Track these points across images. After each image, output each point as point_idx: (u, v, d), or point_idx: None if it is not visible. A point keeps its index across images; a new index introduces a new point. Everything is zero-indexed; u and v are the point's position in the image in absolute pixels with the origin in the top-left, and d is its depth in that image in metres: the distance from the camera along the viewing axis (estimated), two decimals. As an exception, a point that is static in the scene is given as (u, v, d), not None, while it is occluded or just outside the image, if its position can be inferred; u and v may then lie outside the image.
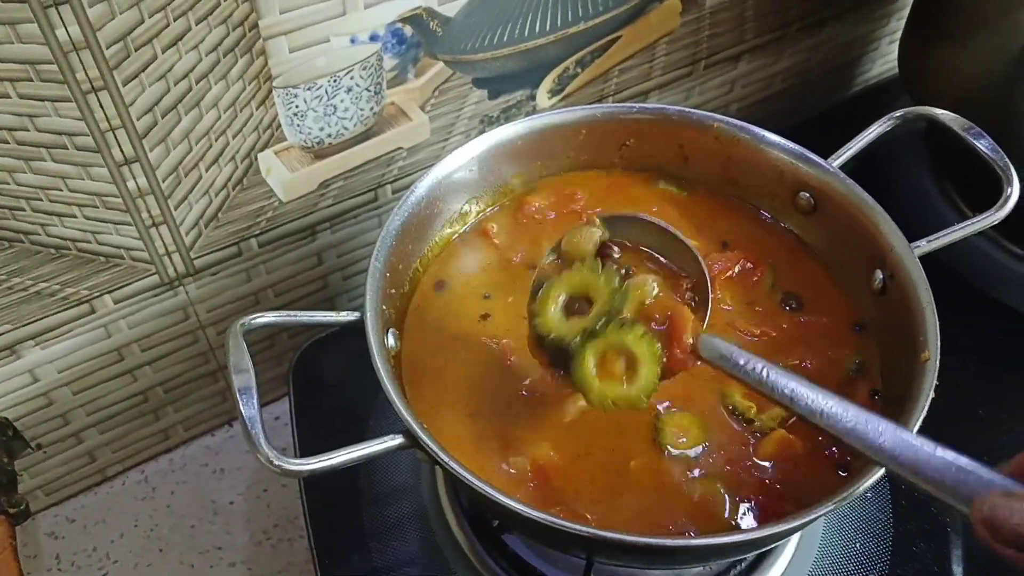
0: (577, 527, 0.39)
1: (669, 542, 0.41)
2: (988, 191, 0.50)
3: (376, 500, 0.57)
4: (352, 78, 0.58)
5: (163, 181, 0.55)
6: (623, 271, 0.45)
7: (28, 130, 0.48)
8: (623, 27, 0.68)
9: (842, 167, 0.53)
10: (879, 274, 0.50)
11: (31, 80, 0.46)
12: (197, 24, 0.50)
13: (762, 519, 0.43)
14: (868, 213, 0.51)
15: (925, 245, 0.49)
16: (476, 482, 0.40)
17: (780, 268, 0.54)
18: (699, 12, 0.72)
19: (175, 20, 0.49)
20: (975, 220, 0.50)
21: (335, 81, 0.57)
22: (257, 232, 0.62)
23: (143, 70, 0.49)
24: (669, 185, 0.58)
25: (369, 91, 0.59)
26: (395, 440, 0.42)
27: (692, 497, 0.44)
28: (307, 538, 0.56)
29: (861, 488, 0.39)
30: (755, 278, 0.53)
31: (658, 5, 0.69)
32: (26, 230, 0.52)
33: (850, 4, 0.83)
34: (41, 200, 0.51)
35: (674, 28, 0.72)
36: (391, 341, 0.49)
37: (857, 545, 0.54)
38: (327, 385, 0.63)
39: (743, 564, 0.52)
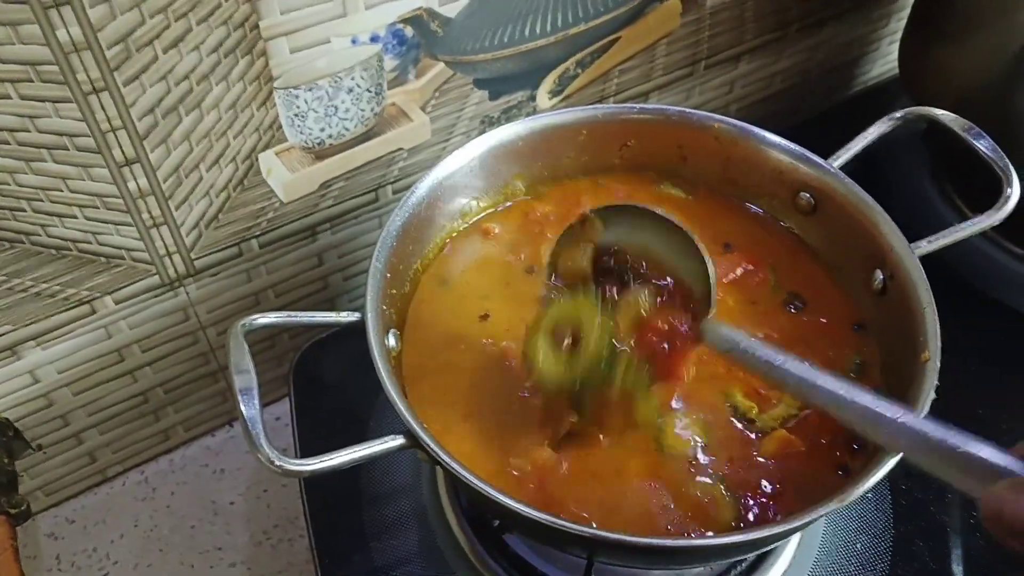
0: (578, 527, 0.39)
1: (669, 542, 0.41)
2: (988, 191, 0.50)
3: (377, 500, 0.57)
4: (353, 79, 0.58)
5: (164, 182, 0.55)
6: (616, 286, 0.45)
7: (29, 131, 0.48)
8: (623, 28, 0.68)
9: (842, 167, 0.54)
10: (879, 274, 0.50)
11: (32, 81, 0.47)
12: (198, 25, 0.50)
13: (762, 519, 0.43)
14: (868, 213, 0.51)
15: (925, 245, 0.49)
16: (477, 482, 0.40)
17: (781, 269, 0.54)
18: (699, 13, 0.72)
19: (176, 21, 0.49)
20: (975, 221, 0.50)
21: (336, 82, 0.57)
22: (258, 233, 0.62)
23: (144, 71, 0.49)
24: (671, 188, 0.58)
25: (370, 92, 0.59)
26: (396, 441, 0.42)
27: (692, 497, 0.44)
28: (307, 538, 0.56)
29: (862, 488, 0.39)
30: (757, 280, 0.53)
31: (658, 6, 0.69)
32: (27, 231, 0.52)
33: (850, 4, 0.83)
34: (42, 201, 0.51)
35: (674, 29, 0.72)
36: (392, 342, 0.49)
37: (857, 545, 0.54)
38: (328, 386, 0.63)
39: (744, 564, 0.52)
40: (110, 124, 0.50)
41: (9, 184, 0.50)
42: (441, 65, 0.61)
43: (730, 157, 0.57)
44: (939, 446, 0.35)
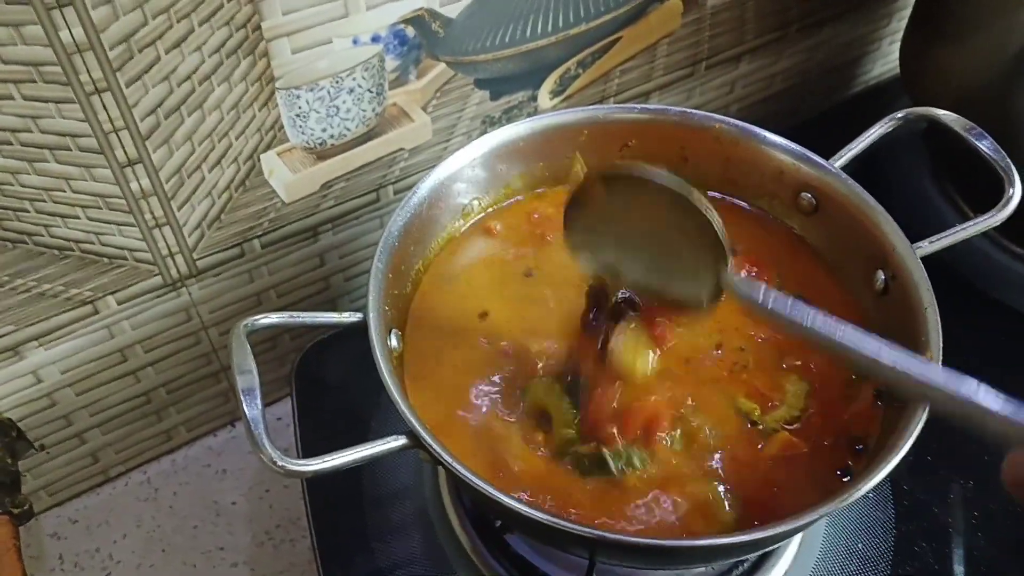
0: (579, 527, 0.39)
1: (671, 542, 0.41)
2: (990, 192, 0.50)
3: (379, 501, 0.57)
4: (354, 79, 0.58)
5: (166, 182, 0.55)
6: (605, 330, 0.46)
7: (32, 131, 0.48)
8: (624, 28, 0.68)
9: (843, 168, 0.53)
10: (881, 275, 0.50)
11: (35, 82, 0.47)
12: (200, 26, 0.50)
13: (764, 519, 0.43)
14: (870, 214, 0.51)
15: (927, 246, 0.49)
16: (479, 482, 0.40)
17: (782, 270, 0.54)
18: (700, 13, 0.72)
19: (178, 22, 0.49)
20: (977, 221, 0.50)
21: (337, 82, 0.57)
22: (260, 233, 0.62)
23: (146, 72, 0.49)
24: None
25: (371, 92, 0.59)
26: (398, 441, 0.42)
27: (695, 497, 0.44)
28: (310, 539, 0.56)
29: (863, 489, 0.39)
30: (763, 282, 0.53)
31: (659, 6, 0.69)
32: (30, 231, 0.52)
33: (850, 4, 0.83)
34: (45, 201, 0.52)
35: (675, 29, 0.72)
36: (394, 342, 0.49)
37: (859, 545, 0.54)
38: (330, 386, 0.63)
39: (745, 564, 0.52)
40: (112, 125, 0.50)
41: (12, 184, 0.50)
42: (442, 65, 0.61)
43: (731, 157, 0.57)
44: (964, 400, 0.36)
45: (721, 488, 0.44)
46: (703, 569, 0.51)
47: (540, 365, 0.49)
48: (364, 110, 0.60)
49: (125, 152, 0.52)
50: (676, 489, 0.44)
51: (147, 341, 0.63)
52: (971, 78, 0.66)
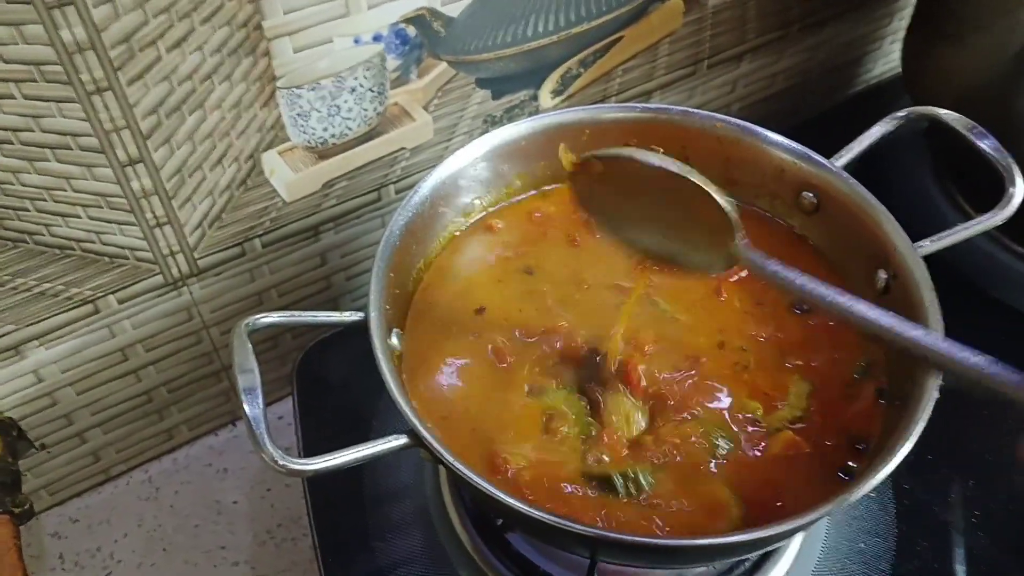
0: (581, 526, 0.39)
1: (672, 541, 0.41)
2: (991, 191, 0.50)
3: (380, 500, 0.57)
4: (356, 78, 0.58)
5: (167, 182, 0.55)
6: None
7: (33, 131, 0.48)
8: (626, 27, 0.68)
9: (845, 167, 0.53)
10: (882, 274, 0.50)
11: (36, 81, 0.47)
12: (201, 25, 0.50)
13: (766, 519, 0.43)
14: (871, 213, 0.51)
15: (928, 245, 0.49)
16: (480, 481, 0.40)
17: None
18: (701, 12, 0.72)
19: (179, 21, 0.49)
20: (979, 220, 0.50)
21: (339, 82, 0.57)
22: (261, 232, 0.62)
23: (147, 71, 0.49)
24: None
25: (372, 91, 0.59)
26: (399, 440, 0.42)
27: (697, 497, 0.44)
28: (311, 538, 0.56)
29: (864, 488, 0.39)
30: (761, 282, 0.53)
31: (660, 5, 0.69)
32: (31, 230, 0.52)
33: (851, 4, 0.83)
34: (45, 200, 0.52)
35: (676, 28, 0.72)
36: (395, 341, 0.49)
37: (860, 544, 0.54)
38: (331, 385, 0.63)
39: (747, 564, 0.52)
40: (114, 124, 0.50)
41: (13, 184, 0.50)
42: (443, 65, 0.61)
43: (732, 156, 0.57)
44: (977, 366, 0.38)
45: (722, 486, 0.44)
46: (704, 568, 0.51)
47: (540, 361, 0.49)
48: (365, 109, 0.60)
49: (126, 151, 0.52)
50: (681, 488, 0.44)
51: (148, 340, 0.63)
52: (972, 77, 0.66)
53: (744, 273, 0.54)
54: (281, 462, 0.39)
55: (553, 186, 0.59)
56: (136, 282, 0.59)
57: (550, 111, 0.63)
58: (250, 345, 0.42)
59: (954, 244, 0.50)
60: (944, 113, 0.54)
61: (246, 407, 0.40)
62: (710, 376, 0.48)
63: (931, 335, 0.40)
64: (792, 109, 0.89)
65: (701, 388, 0.48)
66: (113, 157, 0.52)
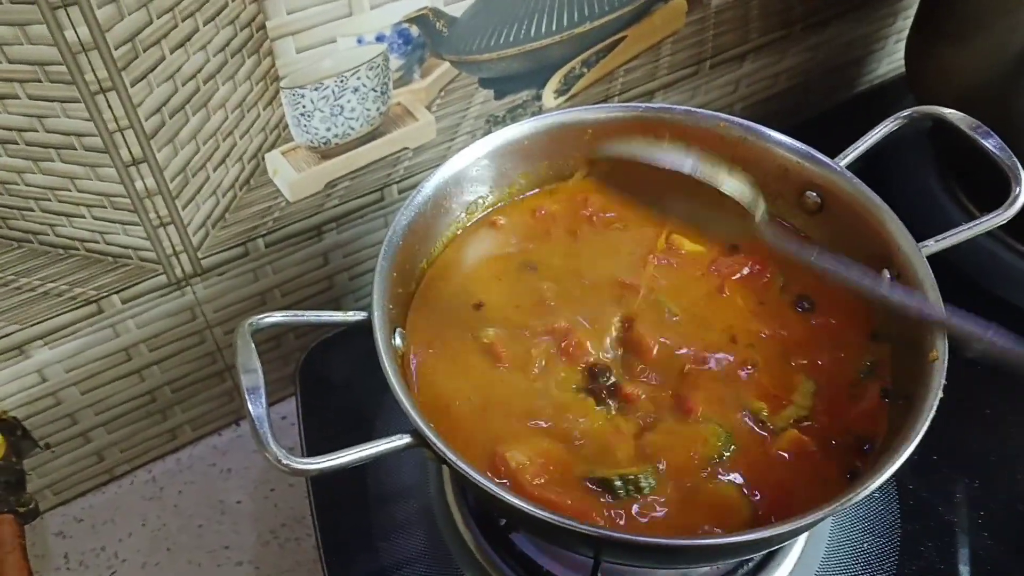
0: (584, 526, 0.39)
1: (676, 541, 0.41)
2: (996, 190, 0.50)
3: (383, 499, 0.57)
4: (359, 78, 0.58)
5: (171, 181, 0.55)
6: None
7: (37, 131, 0.49)
8: (629, 27, 0.68)
9: (848, 166, 0.53)
10: (886, 273, 0.50)
11: (40, 81, 0.47)
12: (205, 25, 0.50)
13: (771, 518, 0.43)
14: (875, 212, 0.51)
15: (932, 245, 0.49)
16: (483, 481, 0.40)
17: (788, 269, 0.54)
18: (704, 12, 0.72)
19: (183, 21, 0.49)
20: (983, 220, 0.50)
21: (342, 81, 0.57)
22: (264, 232, 0.62)
23: (151, 71, 0.49)
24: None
25: (375, 91, 0.59)
26: (402, 439, 0.42)
27: (701, 496, 0.44)
28: (314, 537, 0.56)
29: (869, 488, 0.39)
30: (764, 280, 0.53)
31: (663, 5, 0.69)
32: (35, 230, 0.52)
33: (854, 3, 0.83)
34: (50, 200, 0.52)
35: (679, 28, 0.72)
36: (398, 340, 0.49)
37: (864, 544, 0.54)
38: (334, 385, 0.63)
39: (751, 564, 0.52)
40: (117, 124, 0.50)
41: (17, 184, 0.50)
42: (446, 64, 0.61)
43: (735, 156, 0.56)
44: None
45: (726, 486, 0.44)
46: (708, 568, 0.51)
47: (541, 359, 0.49)
48: (368, 109, 0.60)
49: (130, 151, 0.52)
50: (685, 488, 0.44)
51: (152, 340, 0.63)
52: (975, 77, 0.66)
53: (745, 272, 0.54)
54: (284, 461, 0.39)
55: (562, 184, 0.59)
56: (140, 282, 0.59)
57: (553, 111, 0.63)
58: (253, 345, 0.42)
59: (958, 243, 0.50)
60: (948, 112, 0.53)
61: (249, 407, 0.40)
62: (715, 374, 0.48)
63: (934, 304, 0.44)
64: (795, 109, 0.89)
65: (706, 386, 0.48)
66: (117, 157, 0.52)
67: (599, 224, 0.57)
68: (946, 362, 0.43)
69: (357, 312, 0.47)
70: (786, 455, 0.45)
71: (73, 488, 0.68)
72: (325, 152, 0.61)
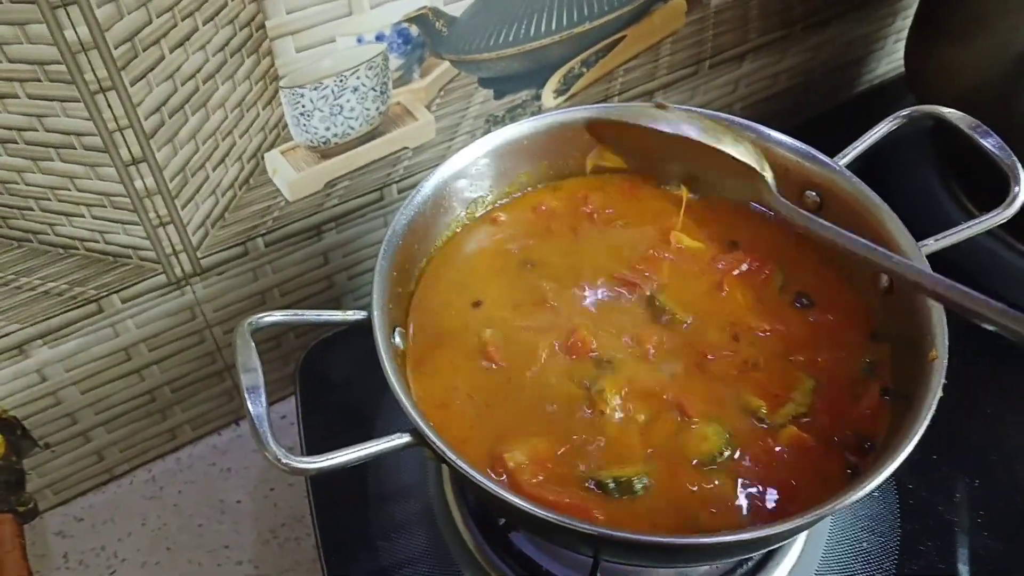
0: (584, 525, 0.39)
1: (675, 540, 0.41)
2: (995, 190, 0.50)
3: (383, 499, 0.57)
4: (358, 78, 0.58)
5: (170, 181, 0.55)
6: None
7: (36, 130, 0.49)
8: (628, 27, 0.68)
9: (848, 166, 0.53)
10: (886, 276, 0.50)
11: (39, 80, 0.47)
12: (204, 24, 0.50)
13: (769, 517, 0.43)
14: (875, 212, 0.51)
15: (932, 244, 0.49)
16: (483, 480, 0.40)
17: (788, 267, 0.54)
18: (703, 12, 0.72)
19: (182, 20, 0.49)
20: (982, 219, 0.50)
21: (341, 81, 0.57)
22: (263, 232, 0.62)
23: (151, 70, 0.50)
24: (676, 187, 0.58)
25: (375, 91, 0.59)
26: (402, 439, 0.42)
27: (701, 494, 0.44)
28: (314, 537, 0.56)
29: (868, 487, 0.39)
30: (763, 276, 0.53)
31: (663, 5, 0.69)
32: (35, 230, 0.52)
33: (853, 3, 0.83)
34: (49, 200, 0.52)
35: (679, 28, 0.72)
36: (398, 340, 0.49)
37: (864, 544, 0.54)
38: (334, 384, 0.63)
39: (750, 563, 0.52)
40: (117, 123, 0.50)
41: (17, 183, 0.50)
42: (446, 64, 0.61)
43: (736, 155, 0.57)
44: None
45: (726, 484, 0.44)
46: (707, 567, 0.51)
47: (536, 357, 0.49)
48: (368, 109, 0.60)
49: (129, 151, 0.52)
50: (684, 486, 0.44)
51: (151, 340, 0.63)
52: (975, 77, 0.66)
53: (744, 268, 0.54)
54: (284, 460, 0.39)
55: (563, 182, 0.59)
56: (139, 281, 0.59)
57: (552, 110, 0.63)
58: (253, 344, 0.42)
59: (958, 243, 0.50)
60: (948, 112, 0.53)
61: (249, 406, 0.40)
62: (715, 372, 0.48)
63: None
64: (795, 109, 0.89)
65: (706, 384, 0.48)
66: (116, 156, 0.52)
67: (600, 221, 0.57)
68: (946, 361, 0.43)
69: (357, 311, 0.47)
70: (786, 452, 0.45)
71: (73, 488, 0.68)
72: (324, 152, 0.61)
